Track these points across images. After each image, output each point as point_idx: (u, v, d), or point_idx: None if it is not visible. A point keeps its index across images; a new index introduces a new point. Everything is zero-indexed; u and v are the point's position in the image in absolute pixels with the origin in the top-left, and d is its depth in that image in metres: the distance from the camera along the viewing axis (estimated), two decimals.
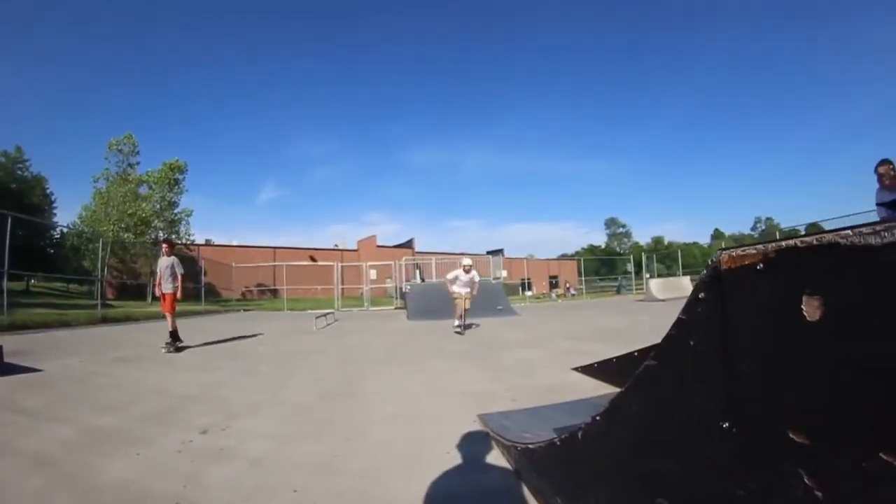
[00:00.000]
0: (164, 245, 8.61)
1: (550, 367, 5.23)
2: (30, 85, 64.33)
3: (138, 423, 3.40)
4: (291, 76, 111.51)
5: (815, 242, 0.88)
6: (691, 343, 1.01)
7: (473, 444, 2.80)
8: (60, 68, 71.70)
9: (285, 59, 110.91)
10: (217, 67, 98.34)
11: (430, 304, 15.03)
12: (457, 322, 9.77)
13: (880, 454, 0.79)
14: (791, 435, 0.94)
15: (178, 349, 7.27)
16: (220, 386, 4.68)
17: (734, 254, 0.95)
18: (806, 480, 0.92)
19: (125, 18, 79.53)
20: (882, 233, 0.81)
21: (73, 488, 2.30)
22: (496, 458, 2.58)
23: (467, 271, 9.89)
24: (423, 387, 4.52)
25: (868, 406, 0.82)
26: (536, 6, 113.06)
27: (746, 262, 0.93)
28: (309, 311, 17.94)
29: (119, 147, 31.45)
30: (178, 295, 7.77)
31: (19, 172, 33.53)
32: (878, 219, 5.96)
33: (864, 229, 0.84)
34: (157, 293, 7.91)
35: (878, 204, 5.85)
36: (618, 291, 34.94)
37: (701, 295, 0.99)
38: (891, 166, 5.64)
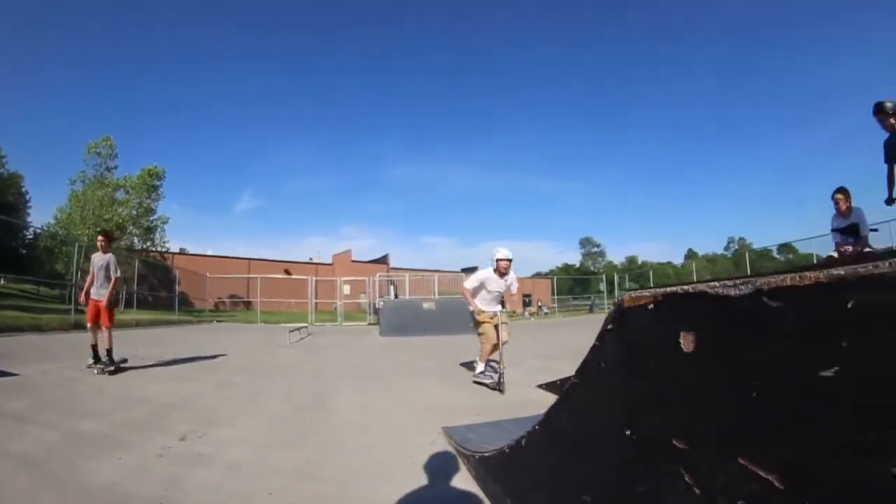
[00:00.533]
0: (101, 238, 6.60)
1: (518, 384, 5.46)
2: (10, 82, 63.01)
3: (120, 428, 3.52)
4: (272, 85, 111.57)
5: (690, 290, 1.14)
6: (602, 365, 1.27)
7: (438, 455, 3.01)
8: (43, 66, 70.67)
9: (266, 69, 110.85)
10: (198, 74, 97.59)
11: (402, 320, 15.31)
12: (481, 367, 5.81)
13: (738, 459, 1.05)
14: (675, 442, 1.19)
15: (117, 370, 6.09)
16: (197, 396, 4.80)
17: (633, 295, 1.20)
18: (686, 479, 1.17)
19: (107, 21, 78.84)
20: (739, 286, 1.07)
21: (60, 489, 2.44)
22: (458, 467, 2.79)
23: (503, 273, 5.91)
24: (395, 402, 4.71)
25: (727, 419, 1.08)
26: (513, 27, 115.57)
27: (642, 302, 1.19)
28: (283, 325, 17.93)
29: (97, 150, 31.16)
30: (105, 302, 6.24)
31: None
32: (834, 243, 6.30)
33: (727, 282, 1.10)
34: (82, 298, 6.38)
35: (832, 230, 6.28)
36: (591, 310, 35.41)
37: (609, 326, 1.24)
38: (846, 195, 6.06)
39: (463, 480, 2.59)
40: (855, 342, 0.79)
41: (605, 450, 1.32)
